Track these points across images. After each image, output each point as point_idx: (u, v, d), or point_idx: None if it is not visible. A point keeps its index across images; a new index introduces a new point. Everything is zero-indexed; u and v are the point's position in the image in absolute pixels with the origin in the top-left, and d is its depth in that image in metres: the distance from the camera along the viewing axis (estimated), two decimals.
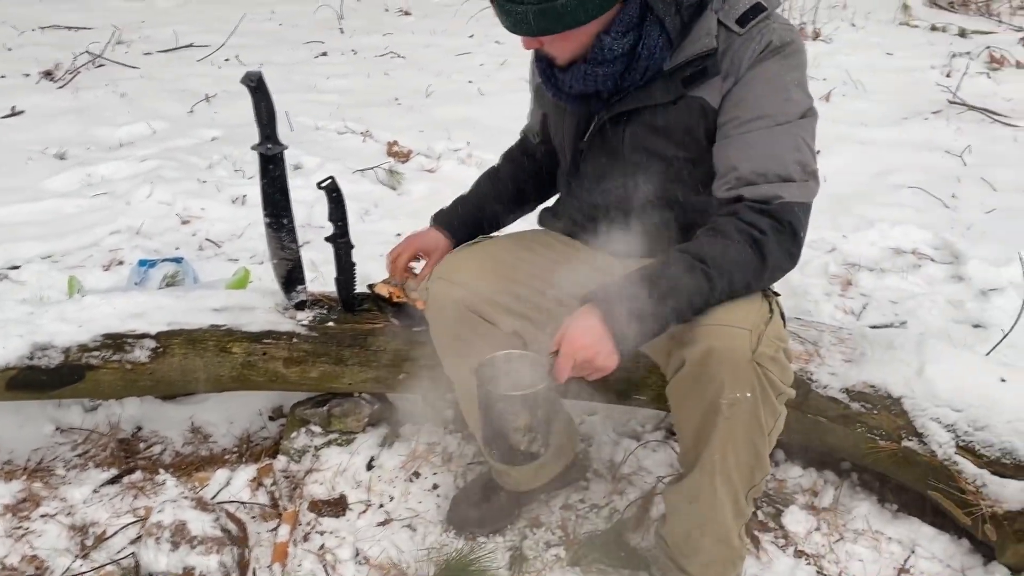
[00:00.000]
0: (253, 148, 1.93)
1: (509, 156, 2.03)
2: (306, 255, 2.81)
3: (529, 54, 1.77)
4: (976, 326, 2.66)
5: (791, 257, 1.50)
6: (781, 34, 1.50)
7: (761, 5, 1.51)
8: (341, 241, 2.04)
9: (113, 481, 2.06)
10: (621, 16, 1.49)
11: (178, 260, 2.82)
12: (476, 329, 1.69)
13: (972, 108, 4.91)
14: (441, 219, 1.96)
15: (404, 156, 4.13)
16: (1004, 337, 2.42)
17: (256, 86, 1.83)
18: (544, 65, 1.62)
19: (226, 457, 2.17)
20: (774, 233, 1.46)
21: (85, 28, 6.11)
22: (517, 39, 1.77)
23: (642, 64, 1.52)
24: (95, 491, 2.03)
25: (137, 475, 2.08)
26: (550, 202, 1.95)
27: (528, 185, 1.97)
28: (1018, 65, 5.92)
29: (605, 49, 1.50)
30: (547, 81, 1.64)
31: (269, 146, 1.91)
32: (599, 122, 1.64)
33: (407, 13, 7.34)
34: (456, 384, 1.84)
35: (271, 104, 1.88)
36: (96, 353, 1.97)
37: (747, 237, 1.45)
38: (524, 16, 1.44)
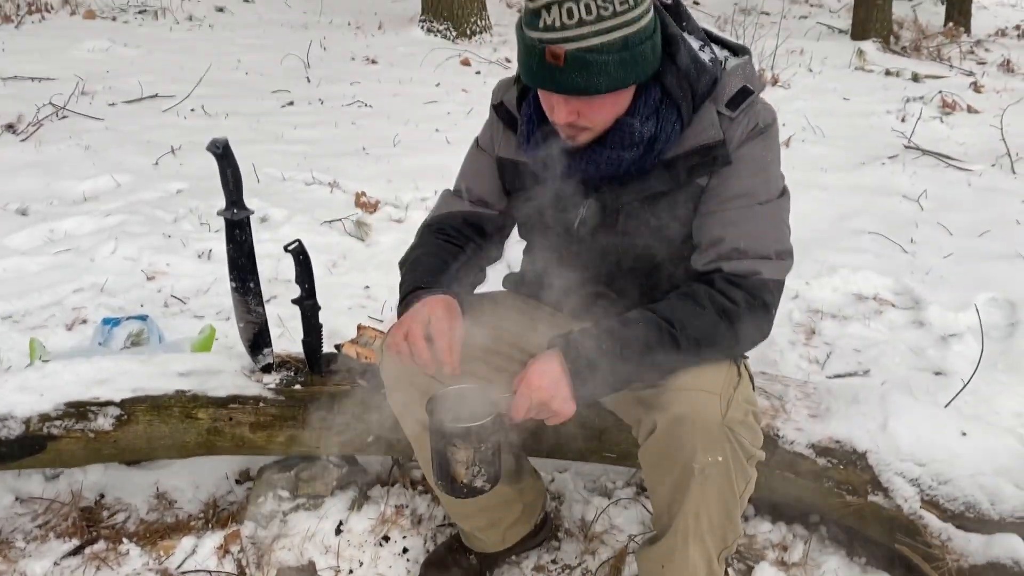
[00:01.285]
0: (219, 213, 1.93)
1: (453, 231, 1.77)
2: (273, 310, 2.80)
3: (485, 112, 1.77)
4: (937, 373, 2.72)
5: (761, 332, 1.54)
6: (764, 116, 1.56)
7: (748, 88, 1.55)
8: (308, 303, 2.04)
9: (75, 552, 2.01)
10: (646, 99, 1.51)
11: (143, 318, 2.79)
12: (428, 390, 1.64)
13: (927, 152, 5.05)
14: (426, 283, 1.62)
15: (372, 207, 4.14)
16: (963, 387, 2.47)
17: (222, 153, 1.84)
18: (537, 144, 1.61)
19: (192, 523, 2.13)
20: (746, 306, 1.50)
21: (49, 79, 6.05)
22: (486, 89, 1.75)
23: (656, 149, 1.54)
24: (56, 563, 1.98)
25: (100, 545, 2.03)
26: (516, 267, 1.95)
27: (477, 259, 1.79)
28: (969, 110, 6.12)
29: (635, 133, 1.51)
30: (539, 163, 1.62)
31: (235, 211, 1.92)
32: (591, 208, 1.64)
33: (374, 62, 7.39)
34: (413, 442, 1.81)
35: (237, 170, 1.89)
36: (58, 422, 1.94)
37: (719, 307, 1.49)
38: (604, 67, 1.40)
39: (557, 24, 1.38)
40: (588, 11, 1.37)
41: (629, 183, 1.59)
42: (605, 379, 1.46)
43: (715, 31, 1.68)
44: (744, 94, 1.55)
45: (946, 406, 2.37)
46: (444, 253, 1.71)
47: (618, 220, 1.62)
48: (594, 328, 1.49)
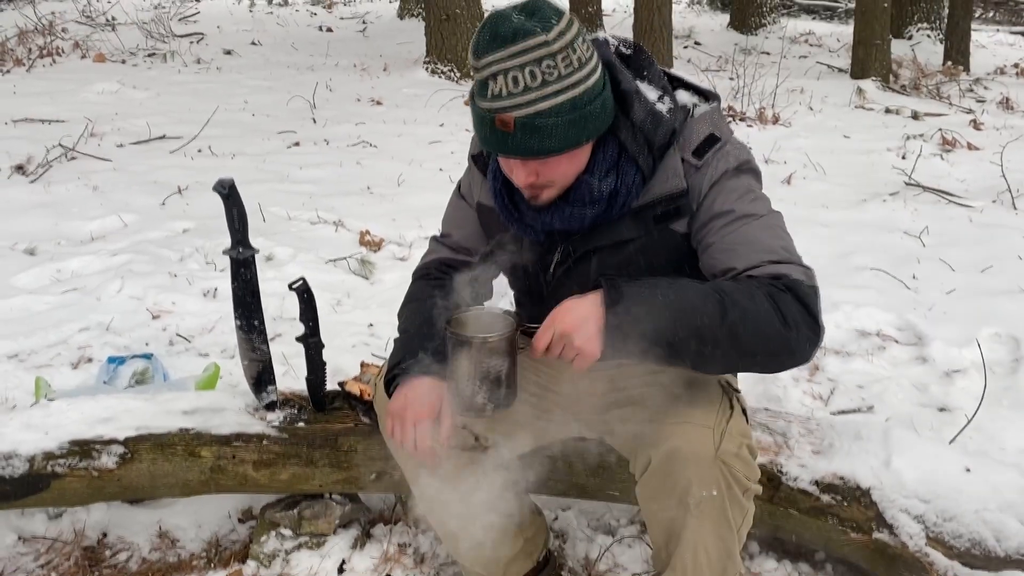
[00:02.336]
0: (225, 252, 1.95)
1: (439, 273, 1.83)
2: (277, 348, 2.81)
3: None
4: (941, 409, 2.71)
5: (812, 329, 1.43)
6: (736, 155, 1.57)
7: (715, 136, 1.57)
8: (312, 341, 2.05)
9: None
10: (602, 156, 1.53)
11: (147, 356, 2.81)
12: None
13: (927, 189, 5.08)
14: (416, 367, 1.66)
15: (376, 245, 4.18)
16: (967, 424, 2.46)
17: (228, 193, 1.87)
18: (505, 201, 1.64)
19: (194, 563, 2.13)
20: (793, 299, 1.42)
21: (58, 121, 6.15)
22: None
23: (619, 202, 1.56)
24: None
25: None
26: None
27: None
28: (969, 147, 6.16)
29: (594, 190, 1.53)
30: (509, 215, 1.65)
31: (240, 250, 1.94)
32: (564, 254, 1.66)
33: (379, 103, 7.49)
34: (407, 473, 1.82)
35: (243, 210, 1.92)
36: (62, 461, 1.94)
37: (768, 292, 1.42)
38: (554, 129, 1.42)
39: (504, 93, 1.41)
40: (533, 77, 1.39)
41: (598, 231, 1.60)
42: (640, 327, 1.37)
43: (685, 76, 1.68)
44: (711, 142, 1.56)
45: (950, 443, 2.37)
46: (435, 311, 1.71)
47: (591, 267, 1.63)
48: (643, 280, 1.45)
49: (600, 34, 1.61)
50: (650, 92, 1.58)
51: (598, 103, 1.46)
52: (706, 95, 1.65)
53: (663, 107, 1.57)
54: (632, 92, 1.54)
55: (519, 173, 1.51)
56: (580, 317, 1.40)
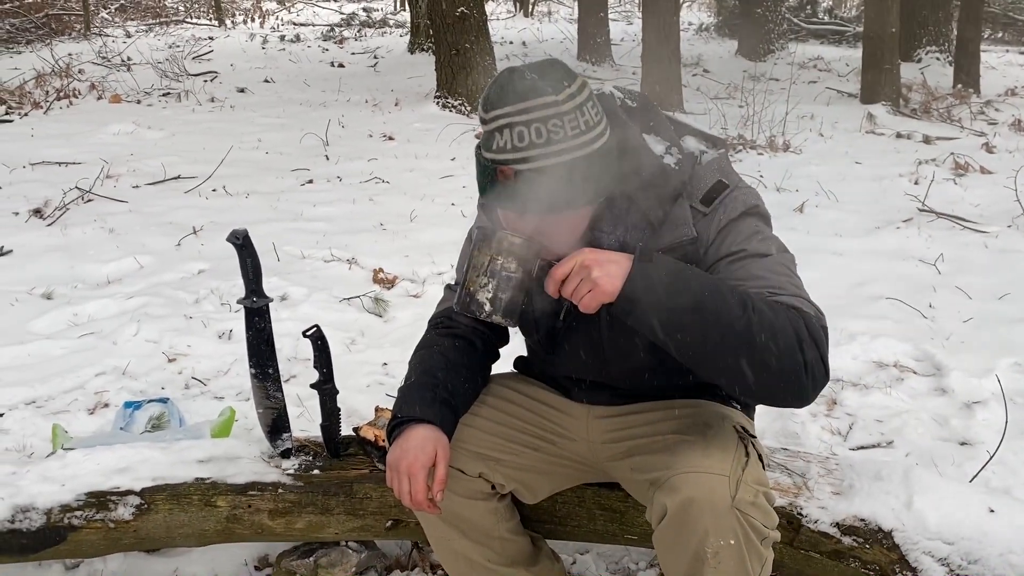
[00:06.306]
0: (239, 302, 1.96)
1: (452, 322, 1.84)
2: (292, 390, 2.83)
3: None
4: (962, 443, 2.67)
5: (820, 364, 1.42)
6: (744, 200, 1.57)
7: (723, 183, 1.57)
8: (326, 388, 2.06)
9: None
10: (611, 210, 1.54)
11: (164, 401, 2.81)
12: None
13: (941, 215, 5.05)
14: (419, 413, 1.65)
15: (389, 283, 4.19)
16: (989, 460, 2.43)
17: (242, 244, 1.88)
18: None
19: None
20: (806, 328, 1.41)
21: (75, 163, 6.23)
22: None
23: (629, 252, 1.54)
24: None
25: None
26: (523, 352, 1.96)
27: (486, 362, 1.87)
28: (982, 171, 6.13)
29: (603, 245, 1.54)
30: None
31: (254, 299, 1.95)
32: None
33: (391, 138, 7.55)
34: (422, 520, 1.82)
35: (256, 259, 1.93)
36: (79, 513, 1.95)
37: (787, 314, 1.41)
38: (553, 188, 1.43)
39: (508, 146, 1.43)
40: (538, 134, 1.41)
41: None
42: (661, 287, 1.37)
43: (693, 124, 1.69)
44: (719, 189, 1.56)
45: (971, 480, 2.33)
46: (439, 360, 1.74)
47: (601, 313, 1.61)
48: (676, 260, 1.45)
49: (606, 88, 1.62)
50: (657, 145, 1.59)
51: (602, 165, 1.47)
52: (713, 141, 1.66)
53: (671, 159, 1.57)
54: (639, 148, 1.55)
55: (516, 228, 1.52)
56: (607, 257, 1.41)
